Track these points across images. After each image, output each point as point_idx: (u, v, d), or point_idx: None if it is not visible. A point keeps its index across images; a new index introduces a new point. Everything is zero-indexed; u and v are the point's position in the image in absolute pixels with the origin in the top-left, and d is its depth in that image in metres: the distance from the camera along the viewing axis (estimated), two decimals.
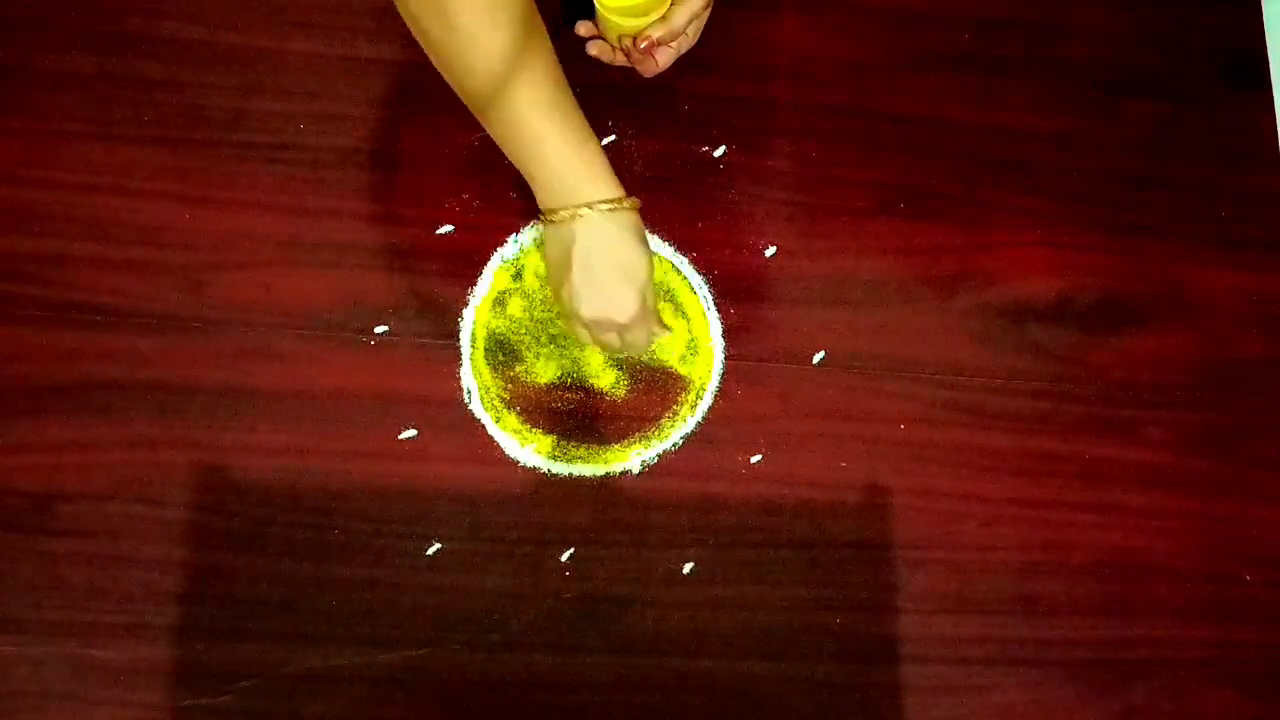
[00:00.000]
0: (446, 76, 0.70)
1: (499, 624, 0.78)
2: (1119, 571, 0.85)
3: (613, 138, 0.87)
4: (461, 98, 0.71)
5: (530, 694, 0.77)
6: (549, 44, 0.70)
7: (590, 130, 0.71)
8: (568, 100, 0.70)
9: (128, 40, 0.84)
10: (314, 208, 0.83)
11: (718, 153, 0.88)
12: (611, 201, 0.70)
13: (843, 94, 0.90)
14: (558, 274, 0.73)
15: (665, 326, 0.78)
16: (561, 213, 0.70)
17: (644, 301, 0.72)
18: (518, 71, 0.68)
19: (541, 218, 0.72)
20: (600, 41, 0.84)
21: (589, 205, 0.70)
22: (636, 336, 0.75)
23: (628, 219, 0.71)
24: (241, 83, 0.84)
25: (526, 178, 0.72)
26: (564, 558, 0.80)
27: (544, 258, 0.74)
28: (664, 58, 0.82)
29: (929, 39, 0.93)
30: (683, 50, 0.83)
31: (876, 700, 0.80)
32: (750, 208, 0.87)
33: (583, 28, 0.85)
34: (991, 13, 0.94)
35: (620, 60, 0.84)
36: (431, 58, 0.69)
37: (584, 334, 0.74)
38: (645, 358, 0.82)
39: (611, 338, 0.74)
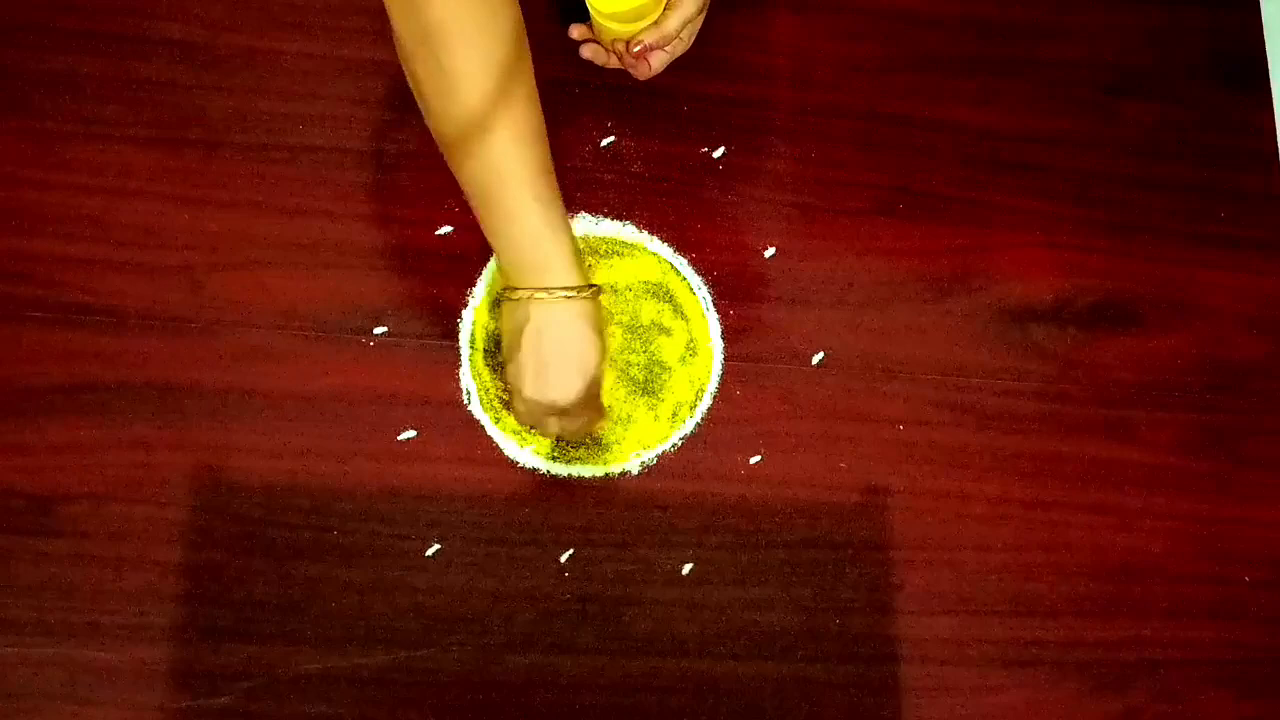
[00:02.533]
0: (431, 123, 0.70)
1: (498, 625, 0.78)
2: (1118, 572, 0.85)
3: (612, 138, 0.87)
4: (443, 151, 0.71)
5: (530, 695, 0.77)
6: (538, 115, 0.70)
7: (564, 213, 0.72)
8: (547, 182, 0.71)
9: (127, 41, 0.84)
10: (313, 208, 0.83)
11: (717, 154, 0.88)
12: (571, 289, 0.71)
13: (842, 95, 0.90)
14: (509, 349, 0.73)
15: (604, 415, 0.79)
16: (520, 291, 0.71)
17: (588, 390, 0.73)
18: (499, 141, 0.68)
19: (503, 290, 0.73)
20: (593, 44, 0.84)
21: (548, 290, 0.71)
22: (574, 423, 0.75)
23: (585, 308, 0.72)
24: (241, 83, 0.84)
25: (493, 246, 0.72)
26: (563, 559, 0.80)
27: (500, 327, 0.75)
28: (657, 62, 0.82)
29: (929, 40, 0.93)
30: (677, 54, 0.83)
31: (875, 701, 0.80)
32: (750, 208, 0.87)
33: (576, 31, 0.85)
34: (991, 13, 0.94)
35: (614, 63, 0.85)
36: (420, 105, 0.70)
37: (523, 412, 0.75)
38: (585, 438, 0.82)
39: (550, 421, 0.74)
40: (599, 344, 0.73)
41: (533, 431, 0.80)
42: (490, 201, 0.70)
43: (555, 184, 0.72)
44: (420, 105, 0.70)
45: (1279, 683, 0.85)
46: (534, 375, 0.72)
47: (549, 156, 0.71)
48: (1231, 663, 0.84)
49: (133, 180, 0.82)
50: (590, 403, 0.74)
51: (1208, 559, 0.86)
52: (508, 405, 0.81)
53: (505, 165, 0.69)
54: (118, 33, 0.84)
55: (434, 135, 0.71)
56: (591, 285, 0.73)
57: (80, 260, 0.80)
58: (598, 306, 0.74)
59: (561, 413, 0.73)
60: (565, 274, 0.71)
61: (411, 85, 0.69)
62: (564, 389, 0.72)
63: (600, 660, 0.78)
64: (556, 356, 0.71)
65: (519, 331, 0.72)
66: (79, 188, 0.81)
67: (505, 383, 0.75)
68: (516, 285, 0.72)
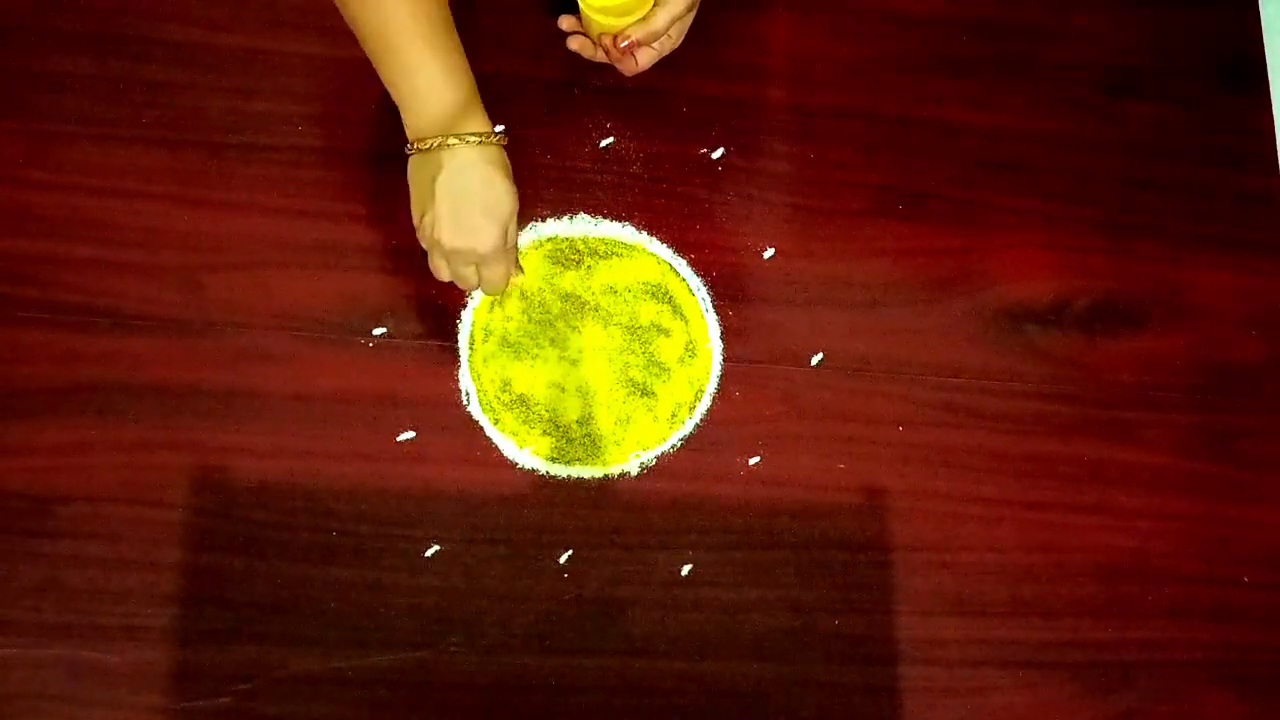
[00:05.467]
0: None
1: (497, 626, 0.78)
2: (1117, 573, 0.84)
3: (611, 139, 0.87)
4: (339, 7, 0.71)
5: (528, 696, 0.77)
6: None
7: (465, 60, 0.72)
8: (447, 32, 0.71)
9: (126, 42, 0.84)
10: (312, 209, 0.83)
11: (716, 154, 0.87)
12: (480, 134, 0.71)
13: (841, 96, 0.90)
14: (421, 202, 0.73)
15: (520, 269, 0.80)
16: (429, 141, 0.71)
17: (505, 236, 0.73)
18: None
19: (409, 146, 0.73)
20: (581, 37, 0.85)
21: (457, 136, 0.71)
22: (494, 272, 0.75)
23: (494, 153, 0.72)
24: (240, 84, 0.84)
25: (396, 101, 0.72)
26: (562, 560, 0.80)
27: (410, 184, 0.75)
28: (644, 58, 0.82)
29: (928, 41, 0.92)
30: (665, 52, 0.83)
31: (875, 702, 0.80)
32: (748, 209, 0.87)
33: (565, 22, 0.85)
34: (990, 14, 0.94)
35: (600, 57, 0.85)
36: None
37: (442, 266, 0.75)
38: (498, 298, 0.82)
39: (469, 271, 0.75)
40: (511, 189, 0.73)
41: (457, 284, 0.80)
42: (390, 54, 0.70)
43: (455, 34, 0.72)
44: None
45: (1279, 683, 0.85)
46: (451, 224, 0.72)
47: (447, 9, 0.71)
48: (1231, 663, 0.84)
49: (132, 180, 0.82)
50: (508, 252, 0.75)
51: (1207, 560, 0.86)
52: (507, 406, 0.81)
53: (400, 18, 0.69)
54: (118, 33, 0.84)
55: None
56: (498, 129, 0.72)
57: (80, 260, 0.80)
58: (504, 153, 0.73)
59: (480, 261, 0.73)
60: (474, 120, 0.71)
61: None
62: (484, 235, 0.72)
63: (599, 661, 0.78)
64: (471, 203, 0.72)
65: (431, 182, 0.72)
66: (79, 188, 0.81)
67: (420, 238, 0.75)
68: (424, 136, 0.72)
